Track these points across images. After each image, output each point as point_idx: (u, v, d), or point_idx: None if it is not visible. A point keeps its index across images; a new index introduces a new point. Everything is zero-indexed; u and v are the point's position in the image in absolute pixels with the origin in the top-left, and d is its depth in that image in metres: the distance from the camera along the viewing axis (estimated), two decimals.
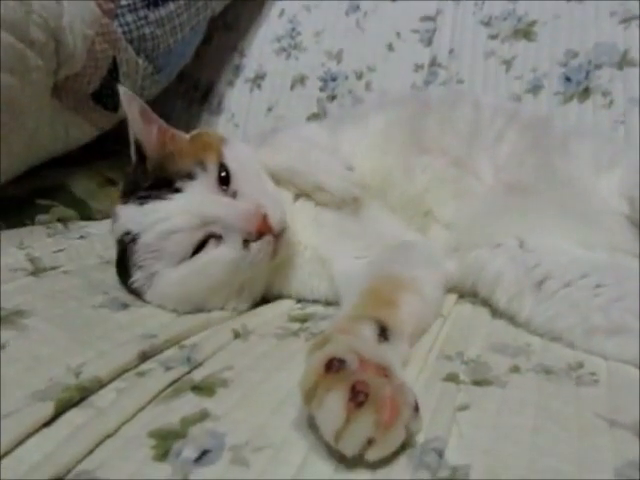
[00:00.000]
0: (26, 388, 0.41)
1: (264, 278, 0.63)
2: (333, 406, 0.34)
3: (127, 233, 0.59)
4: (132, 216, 0.59)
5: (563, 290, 0.55)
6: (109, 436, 0.38)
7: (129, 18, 0.89)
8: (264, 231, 0.57)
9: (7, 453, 0.36)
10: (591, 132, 0.87)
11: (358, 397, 0.34)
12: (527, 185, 0.65)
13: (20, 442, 0.37)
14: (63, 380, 0.42)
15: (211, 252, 0.57)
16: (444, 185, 0.68)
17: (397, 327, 0.47)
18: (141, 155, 0.63)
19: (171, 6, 0.95)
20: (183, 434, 0.38)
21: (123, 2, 0.88)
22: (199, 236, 0.57)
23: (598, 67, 0.96)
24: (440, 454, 0.35)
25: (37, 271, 0.64)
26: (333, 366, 0.36)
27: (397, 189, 0.69)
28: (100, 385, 0.43)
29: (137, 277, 0.59)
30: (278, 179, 0.67)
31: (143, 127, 0.63)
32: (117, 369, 0.46)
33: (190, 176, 0.59)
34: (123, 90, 0.62)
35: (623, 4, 0.98)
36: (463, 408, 0.40)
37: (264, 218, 0.57)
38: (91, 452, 0.36)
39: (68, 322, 0.53)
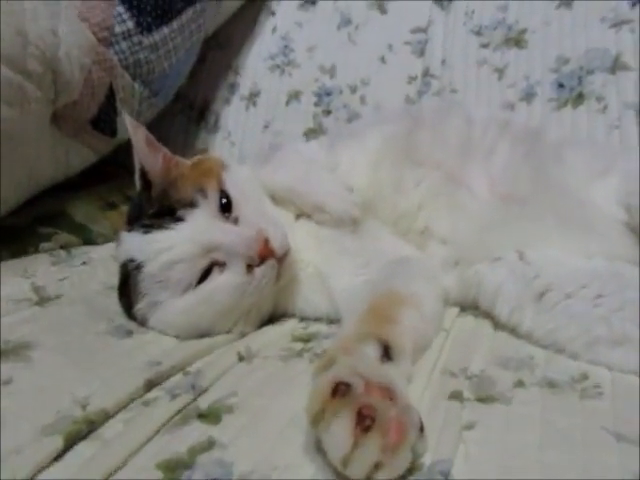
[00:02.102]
0: (34, 422, 0.41)
1: (271, 300, 0.63)
2: (340, 431, 0.34)
3: (131, 260, 0.59)
4: (136, 244, 0.60)
5: (564, 302, 0.55)
6: (118, 468, 0.38)
7: (124, 45, 0.90)
8: (266, 255, 0.58)
9: None
10: (584, 139, 0.87)
11: (365, 422, 0.34)
12: (523, 196, 0.65)
13: (32, 478, 0.37)
14: (70, 413, 0.43)
15: (216, 279, 0.58)
16: (438, 199, 0.68)
17: (399, 345, 0.47)
18: (146, 182, 0.64)
19: (164, 31, 0.96)
20: (191, 464, 0.38)
21: (117, 30, 0.89)
22: (203, 264, 0.58)
23: (590, 72, 0.97)
24: (446, 476, 0.35)
25: (42, 301, 0.65)
26: (339, 390, 0.36)
27: (392, 204, 0.69)
28: (107, 416, 0.44)
29: (141, 305, 0.59)
30: (278, 199, 0.68)
31: (149, 155, 0.64)
32: (123, 399, 0.46)
33: (192, 204, 0.59)
34: (129, 119, 0.64)
35: (613, 9, 0.98)
36: (469, 427, 0.40)
37: (266, 242, 0.58)
38: None
39: (73, 352, 0.53)
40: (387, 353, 0.45)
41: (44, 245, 0.84)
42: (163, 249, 0.57)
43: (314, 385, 0.38)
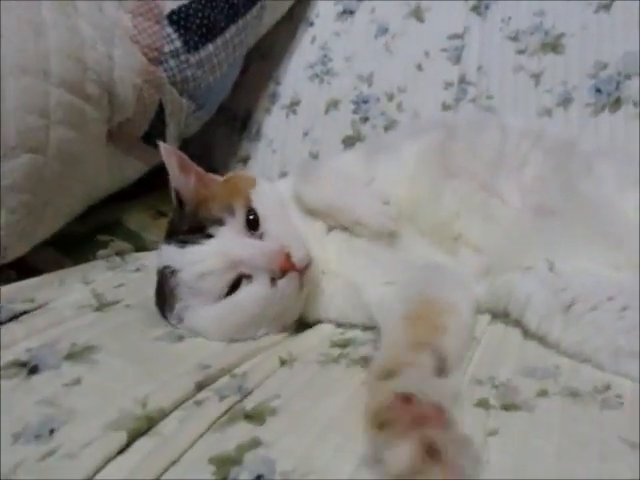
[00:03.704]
0: (101, 419, 0.47)
1: (296, 309, 0.68)
2: (405, 453, 0.37)
3: (167, 267, 0.66)
4: (173, 255, 0.66)
5: (590, 313, 0.57)
6: (174, 462, 0.43)
7: (172, 63, 0.97)
8: (287, 268, 0.63)
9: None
10: (616, 151, 0.87)
11: (428, 453, 0.37)
12: (553, 208, 0.67)
13: (99, 469, 0.42)
14: (132, 411, 0.48)
15: (244, 291, 0.63)
16: (473, 209, 0.70)
17: (453, 356, 0.51)
18: (180, 201, 0.70)
19: (210, 48, 1.02)
20: (239, 460, 0.42)
21: (166, 49, 0.96)
22: (231, 276, 0.63)
23: (628, 77, 0.96)
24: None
25: (102, 306, 0.72)
26: (403, 404, 0.40)
27: (428, 214, 0.72)
28: (164, 414, 0.49)
29: (177, 308, 0.65)
30: (317, 213, 0.72)
31: (181, 178, 0.70)
32: (178, 399, 0.51)
33: (220, 222, 0.65)
34: (163, 145, 0.70)
35: None
36: (492, 433, 0.43)
37: (287, 257, 0.63)
38: (159, 477, 0.41)
39: (133, 356, 0.59)
40: (442, 364, 0.49)
41: (101, 252, 0.92)
42: (196, 261, 0.63)
43: (378, 391, 0.43)
